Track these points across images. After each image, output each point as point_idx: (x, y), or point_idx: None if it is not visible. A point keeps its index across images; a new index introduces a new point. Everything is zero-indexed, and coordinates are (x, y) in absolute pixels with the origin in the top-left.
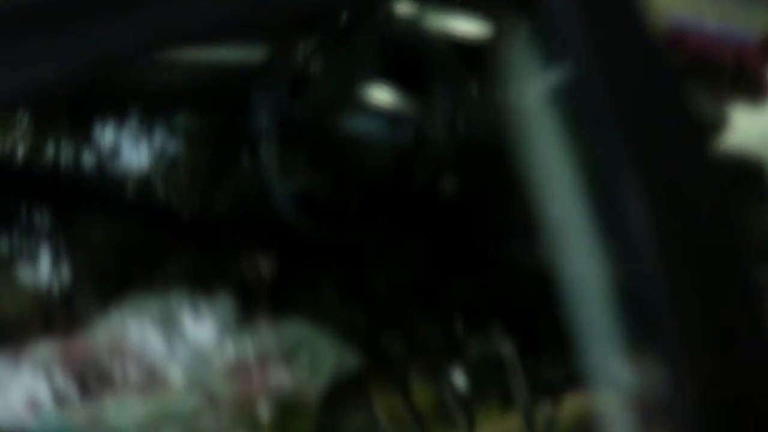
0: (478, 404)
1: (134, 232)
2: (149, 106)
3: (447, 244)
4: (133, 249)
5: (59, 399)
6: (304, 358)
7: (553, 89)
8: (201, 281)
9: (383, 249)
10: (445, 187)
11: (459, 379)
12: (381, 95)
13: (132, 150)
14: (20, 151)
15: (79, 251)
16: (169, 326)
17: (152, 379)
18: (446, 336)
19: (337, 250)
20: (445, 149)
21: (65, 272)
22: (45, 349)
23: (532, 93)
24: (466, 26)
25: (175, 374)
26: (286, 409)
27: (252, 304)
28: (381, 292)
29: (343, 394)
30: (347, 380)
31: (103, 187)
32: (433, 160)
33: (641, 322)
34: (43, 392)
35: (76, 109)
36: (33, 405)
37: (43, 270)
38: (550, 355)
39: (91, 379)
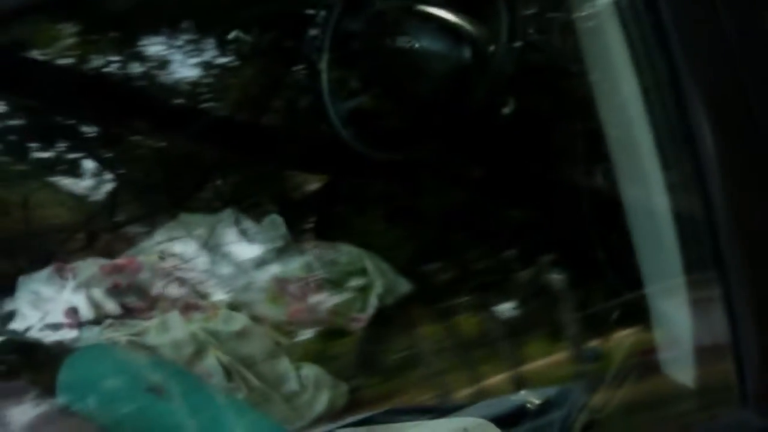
0: (524, 336)
1: (184, 145)
2: (203, 20)
3: (501, 168)
4: (183, 163)
5: (101, 315)
6: (354, 282)
7: (619, 4)
8: (250, 198)
9: (436, 170)
10: (503, 109)
11: (506, 309)
12: (440, 12)
13: (184, 63)
14: (71, 62)
15: (128, 165)
16: (215, 245)
17: (196, 299)
18: (495, 264)
19: (388, 169)
20: (505, 70)
21: (113, 186)
22: (90, 264)
23: (599, 9)
24: None
25: (220, 294)
26: (330, 334)
27: (301, 223)
28: (430, 215)
29: (388, 319)
30: (393, 305)
31: (154, 100)
32: (492, 81)
33: (704, 250)
34: (85, 308)
35: (129, 20)
36: (75, 320)
37: (90, 184)
38: (601, 288)
39: (133, 297)
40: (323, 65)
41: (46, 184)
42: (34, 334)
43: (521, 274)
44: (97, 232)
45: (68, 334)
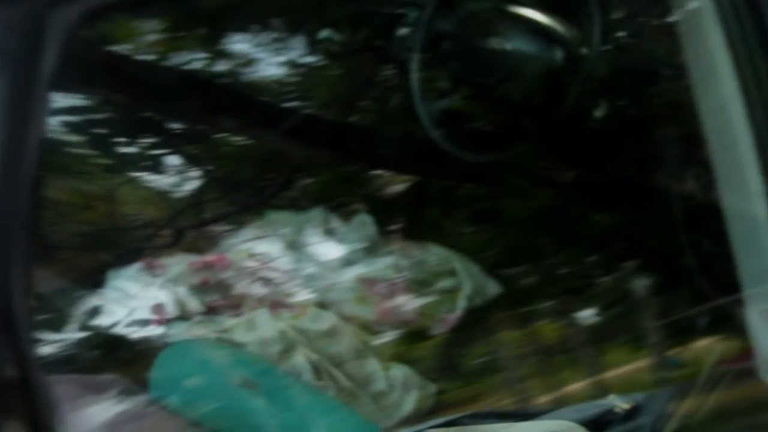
0: (606, 342)
1: (272, 143)
2: (293, 18)
3: (591, 172)
4: (271, 161)
5: (189, 312)
6: (443, 283)
7: (719, 4)
8: (339, 197)
9: (524, 173)
10: (594, 113)
11: (588, 314)
12: (532, 13)
13: (272, 61)
14: (160, 58)
15: (215, 162)
16: (303, 243)
17: (283, 298)
18: (579, 269)
19: (476, 171)
20: (597, 73)
21: (200, 183)
22: (179, 261)
23: (697, 10)
24: None
25: (307, 293)
26: (416, 335)
27: (389, 223)
28: (516, 219)
29: (471, 323)
30: (478, 309)
31: (243, 98)
32: (584, 84)
33: None
34: (173, 304)
35: (218, 17)
36: (162, 316)
37: (177, 180)
38: (685, 295)
39: (221, 294)
40: (414, 65)
41: (133, 179)
42: (121, 329)
43: (605, 280)
44: (184, 229)
45: (155, 331)
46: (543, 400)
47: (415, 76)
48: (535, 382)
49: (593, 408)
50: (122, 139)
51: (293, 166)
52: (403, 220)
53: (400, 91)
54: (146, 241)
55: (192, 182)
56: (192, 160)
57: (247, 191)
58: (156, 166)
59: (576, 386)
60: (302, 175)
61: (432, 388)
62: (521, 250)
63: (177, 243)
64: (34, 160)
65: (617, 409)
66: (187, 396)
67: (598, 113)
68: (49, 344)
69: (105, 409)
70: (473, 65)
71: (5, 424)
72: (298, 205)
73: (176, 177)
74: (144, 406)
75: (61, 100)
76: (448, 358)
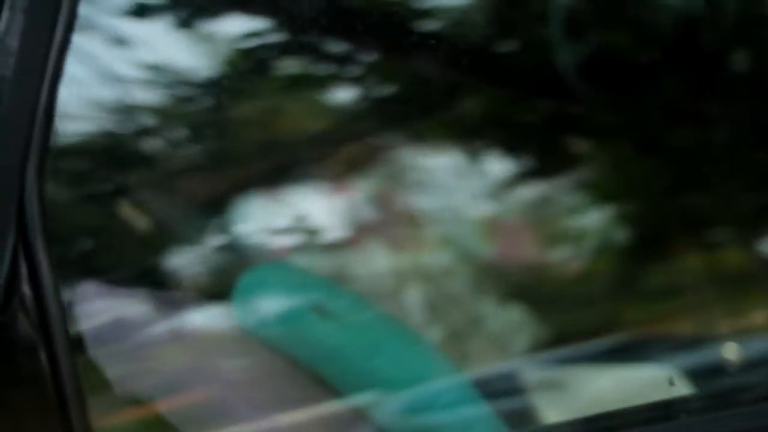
0: None
1: (421, 68)
2: None
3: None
4: (423, 87)
5: (308, 241)
6: (573, 223)
7: None
8: (476, 129)
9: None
10: (734, 59)
11: None
12: None
13: None
14: None
15: (371, 85)
16: (430, 176)
17: (404, 231)
18: (761, 201)
19: (617, 114)
20: (736, 18)
21: (355, 104)
22: (305, 187)
23: None
24: None
25: (429, 228)
26: (546, 278)
27: (526, 154)
28: (683, 150)
29: (644, 250)
30: (649, 238)
31: (386, 20)
32: (724, 29)
33: None
34: (293, 232)
35: None
36: (282, 247)
37: (331, 100)
38: None
39: (343, 224)
40: (557, 6)
41: (291, 98)
42: (239, 251)
43: None
44: (331, 150)
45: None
46: (723, 328)
47: (557, 16)
48: (715, 309)
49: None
50: (282, 59)
51: (442, 92)
52: (542, 151)
53: (548, 22)
54: (288, 163)
55: (347, 104)
56: (345, 81)
57: (396, 115)
58: (312, 86)
59: (758, 317)
60: (450, 103)
61: (545, 329)
62: (693, 181)
63: (324, 162)
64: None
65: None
66: (261, 318)
67: (738, 58)
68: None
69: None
70: (615, 6)
71: None
72: (439, 134)
73: (332, 98)
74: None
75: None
76: (626, 279)
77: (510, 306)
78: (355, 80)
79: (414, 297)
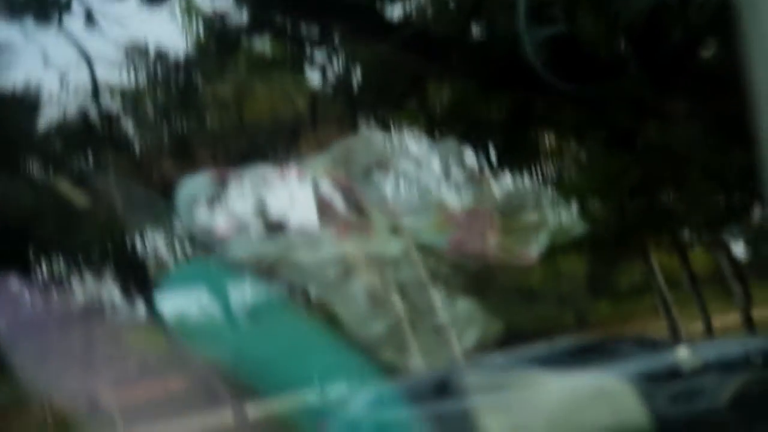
0: (757, 279)
1: (389, 53)
2: None
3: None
4: (388, 71)
5: (252, 227)
6: (527, 217)
7: None
8: (442, 119)
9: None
10: (702, 51)
11: (739, 248)
12: None
13: None
14: None
15: (341, 65)
16: (388, 164)
17: (356, 219)
18: (727, 201)
19: (586, 101)
20: (707, 11)
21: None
22: (254, 173)
23: None
24: None
25: (382, 217)
26: (505, 273)
27: (486, 146)
28: (653, 145)
29: (616, 244)
30: (620, 233)
31: (355, 6)
32: (694, 21)
33: None
34: (241, 217)
35: None
36: (227, 229)
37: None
38: None
39: (291, 211)
40: None
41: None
42: (184, 235)
43: (753, 215)
44: (299, 132)
45: (218, 244)
46: (690, 328)
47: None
48: (684, 309)
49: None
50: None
51: (408, 78)
52: (503, 143)
53: (511, 12)
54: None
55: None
56: (315, 63)
57: (368, 99)
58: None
59: (725, 319)
60: (417, 89)
61: (497, 325)
62: (664, 175)
63: (293, 145)
64: None
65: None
66: (184, 317)
67: (706, 52)
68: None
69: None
70: None
71: None
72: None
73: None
74: None
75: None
76: (598, 278)
77: (461, 300)
78: (323, 63)
79: (361, 285)
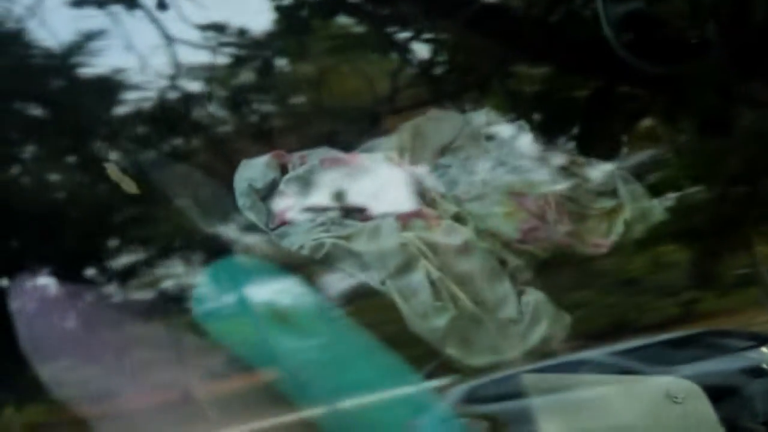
0: None
1: (456, 33)
2: None
3: None
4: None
5: (318, 212)
6: (602, 204)
7: None
8: (525, 104)
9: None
10: None
11: None
12: None
13: None
14: None
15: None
16: (456, 147)
17: (420, 206)
18: None
19: (662, 81)
20: None
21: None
22: (315, 155)
23: None
24: None
25: (448, 203)
26: (568, 258)
27: (563, 131)
28: (750, 134)
29: (717, 235)
30: (721, 223)
31: None
32: None
33: None
34: (303, 201)
35: None
36: (285, 214)
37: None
38: None
39: (353, 197)
40: None
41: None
42: (246, 220)
43: None
44: (380, 115)
45: (277, 229)
46: None
47: None
48: None
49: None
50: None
51: (485, 62)
52: (580, 129)
53: None
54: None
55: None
56: (394, 47)
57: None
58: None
59: None
60: (499, 74)
61: (566, 319)
62: (763, 165)
63: (372, 129)
64: None
65: None
66: (217, 315)
67: None
68: None
69: None
70: None
71: None
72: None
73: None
74: None
75: None
76: (702, 268)
77: (530, 292)
78: (407, 46)
79: (423, 276)
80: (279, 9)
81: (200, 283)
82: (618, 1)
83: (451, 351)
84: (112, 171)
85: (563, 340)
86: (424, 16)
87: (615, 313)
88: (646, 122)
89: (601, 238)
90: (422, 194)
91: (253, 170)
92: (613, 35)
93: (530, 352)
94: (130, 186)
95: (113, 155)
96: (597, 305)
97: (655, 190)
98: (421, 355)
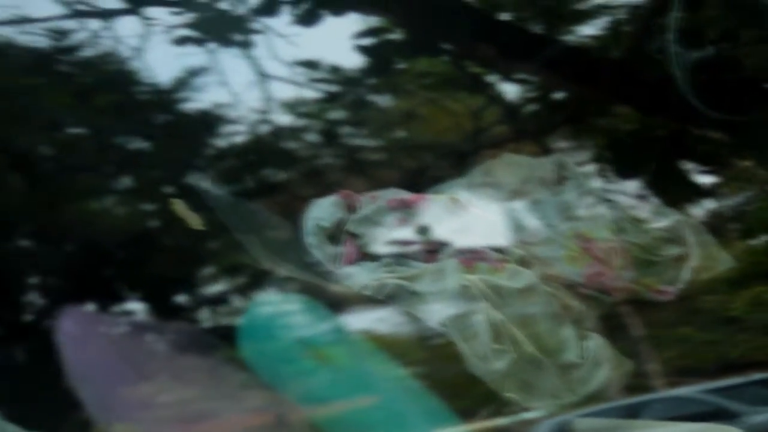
0: None
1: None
2: None
3: None
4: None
5: (378, 252)
6: (669, 251)
7: None
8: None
9: None
10: None
11: None
12: None
13: None
14: None
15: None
16: (527, 191)
17: (484, 249)
18: None
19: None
20: None
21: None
22: (382, 196)
23: None
24: None
25: (514, 247)
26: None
27: (631, 173)
28: None
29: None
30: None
31: (503, 24)
32: None
33: None
34: (366, 242)
35: None
36: (353, 253)
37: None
38: None
39: (417, 237)
40: (676, 6)
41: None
42: (311, 261)
43: None
44: (467, 154)
45: (343, 268)
46: None
47: (673, 15)
48: None
49: None
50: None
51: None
52: (649, 172)
53: (662, 32)
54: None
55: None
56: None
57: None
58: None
59: None
60: (577, 115)
61: (627, 365)
62: None
63: (460, 167)
64: None
65: None
66: (258, 350)
67: None
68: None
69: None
70: (741, 15)
71: None
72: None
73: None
74: None
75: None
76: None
77: (592, 337)
78: (493, 86)
79: (484, 318)
80: (363, 49)
81: (245, 317)
82: (691, 47)
83: (511, 393)
84: (178, 207)
85: (622, 385)
86: (501, 58)
87: (717, 350)
88: (739, 164)
89: (667, 285)
90: (489, 237)
91: (321, 210)
92: (683, 81)
93: (590, 397)
94: (196, 222)
95: (206, 185)
96: (697, 341)
97: (749, 232)
98: (482, 396)
